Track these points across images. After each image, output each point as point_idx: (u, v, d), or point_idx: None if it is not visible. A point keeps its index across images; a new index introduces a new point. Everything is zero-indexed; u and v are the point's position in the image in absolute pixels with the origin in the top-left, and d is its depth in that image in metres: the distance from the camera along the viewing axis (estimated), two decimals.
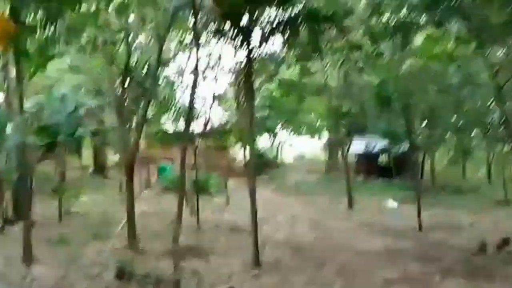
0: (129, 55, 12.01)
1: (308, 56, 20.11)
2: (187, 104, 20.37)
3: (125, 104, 11.13)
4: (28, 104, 14.75)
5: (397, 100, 24.02)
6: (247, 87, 10.81)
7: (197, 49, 10.32)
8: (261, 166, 36.01)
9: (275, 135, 34.12)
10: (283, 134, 37.26)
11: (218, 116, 23.90)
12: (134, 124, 12.53)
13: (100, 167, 25.08)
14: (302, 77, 21.96)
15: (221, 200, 19.85)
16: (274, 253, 10.84)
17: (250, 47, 10.35)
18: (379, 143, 30.31)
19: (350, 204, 19.81)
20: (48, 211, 14.08)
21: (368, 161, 33.64)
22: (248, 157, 10.68)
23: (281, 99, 25.45)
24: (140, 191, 20.85)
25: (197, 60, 10.55)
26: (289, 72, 22.22)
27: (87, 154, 26.12)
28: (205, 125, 14.48)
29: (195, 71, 10.65)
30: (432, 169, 27.90)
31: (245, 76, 10.47)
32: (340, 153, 35.20)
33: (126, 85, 15.20)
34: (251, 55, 10.53)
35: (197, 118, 20.25)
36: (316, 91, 22.84)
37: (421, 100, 19.93)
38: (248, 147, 10.34)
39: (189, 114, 11.75)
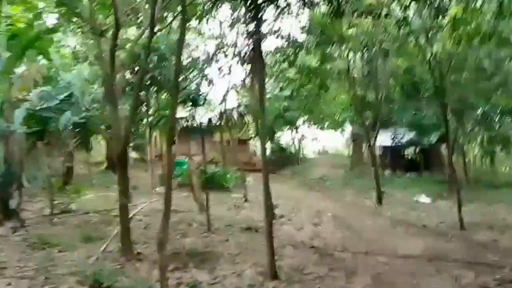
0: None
1: (329, 39, 18.36)
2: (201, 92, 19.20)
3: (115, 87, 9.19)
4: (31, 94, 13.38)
5: (426, 87, 21.91)
6: (258, 68, 8.77)
7: None
8: (283, 160, 34.16)
9: (296, 129, 31.96)
10: (304, 127, 35.05)
11: (236, 105, 22.17)
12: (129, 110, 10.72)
13: (113, 163, 23.30)
14: (322, 63, 19.91)
15: (239, 196, 17.87)
16: (295, 258, 8.84)
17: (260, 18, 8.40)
18: (406, 135, 27.95)
19: (379, 199, 17.63)
20: (46, 210, 12.37)
21: (394, 154, 31.44)
22: (261, 148, 8.45)
23: (301, 88, 23.31)
24: (152, 187, 19.10)
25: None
26: (309, 59, 20.18)
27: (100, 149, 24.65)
28: (222, 116, 12.39)
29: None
30: (464, 162, 25.34)
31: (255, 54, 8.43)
32: (364, 146, 33.17)
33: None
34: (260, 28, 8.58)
35: (213, 108, 18.64)
36: (338, 78, 20.71)
37: (453, 87, 17.71)
38: (260, 136, 8.11)
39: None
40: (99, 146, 24.35)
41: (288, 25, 18.03)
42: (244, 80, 12.42)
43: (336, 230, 12.30)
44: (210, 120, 11.49)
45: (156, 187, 19.23)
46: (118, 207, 8.74)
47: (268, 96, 27.66)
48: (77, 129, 15.33)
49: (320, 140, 43.20)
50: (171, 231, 10.85)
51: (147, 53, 9.83)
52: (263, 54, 9.02)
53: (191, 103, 11.55)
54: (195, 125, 12.16)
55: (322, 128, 37.49)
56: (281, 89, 18.43)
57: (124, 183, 8.52)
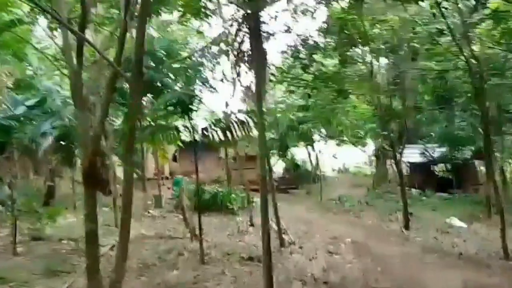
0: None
1: (349, 41, 17.28)
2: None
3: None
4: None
5: (460, 94, 20.64)
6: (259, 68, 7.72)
7: None
8: (297, 179, 32.88)
9: (312, 144, 30.69)
10: (322, 142, 33.71)
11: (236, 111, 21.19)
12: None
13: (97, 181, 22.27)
14: (342, 67, 18.78)
15: (245, 219, 16.72)
16: None
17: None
18: (437, 150, 26.60)
19: (407, 222, 16.27)
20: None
21: (423, 171, 30.06)
22: (260, 162, 7.25)
23: (317, 96, 22.14)
24: (144, 209, 18.06)
25: None
26: (327, 62, 19.10)
27: None
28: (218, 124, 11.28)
29: None
30: (504, 179, 23.81)
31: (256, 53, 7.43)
32: (389, 163, 31.79)
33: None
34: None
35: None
36: (359, 85, 19.51)
37: (492, 92, 16.45)
38: (259, 148, 6.90)
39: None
40: None
41: (302, 25, 16.93)
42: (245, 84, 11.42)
43: (356, 260, 11.05)
44: (205, 130, 10.35)
45: (149, 208, 18.20)
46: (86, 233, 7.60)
47: (280, 105, 26.56)
48: (59, 142, 14.50)
49: (340, 157, 41.93)
50: (157, 262, 9.83)
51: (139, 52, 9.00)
52: (266, 54, 8.09)
53: (181, 109, 10.32)
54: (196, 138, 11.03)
55: (341, 143, 36.13)
56: (291, 92, 17.06)
57: (91, 205, 7.40)
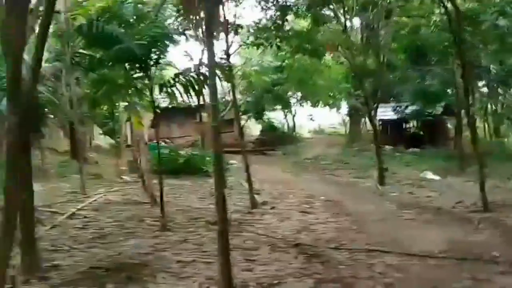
0: None
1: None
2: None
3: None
4: None
5: (434, 51, 19.24)
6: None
7: None
8: (274, 141, 31.46)
9: (288, 106, 29.24)
10: (297, 105, 32.28)
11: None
12: None
13: (75, 150, 20.54)
14: (314, 28, 17.22)
15: None
16: (269, 266, 6.29)
17: None
18: (409, 107, 25.34)
19: (381, 179, 15.05)
20: None
21: (395, 129, 29.08)
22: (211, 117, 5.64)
23: (293, 59, 20.59)
24: (117, 175, 16.58)
25: None
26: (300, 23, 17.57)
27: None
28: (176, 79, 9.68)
29: None
30: (474, 134, 22.67)
31: None
32: (362, 121, 30.61)
33: None
34: None
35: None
36: (333, 44, 17.99)
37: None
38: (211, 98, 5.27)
39: None
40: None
41: None
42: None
43: (330, 219, 9.77)
44: (162, 86, 8.79)
45: (122, 174, 16.70)
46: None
47: (254, 68, 24.96)
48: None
49: (316, 119, 40.66)
50: (116, 230, 8.44)
51: None
52: None
53: (138, 64, 8.66)
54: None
55: (316, 105, 34.74)
56: (260, 45, 15.44)
57: (14, 167, 5.84)
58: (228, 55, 11.59)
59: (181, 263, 6.22)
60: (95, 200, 11.70)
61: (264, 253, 6.89)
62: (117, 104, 16.70)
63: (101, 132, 23.06)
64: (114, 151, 22.97)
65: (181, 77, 8.66)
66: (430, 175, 17.31)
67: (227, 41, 11.67)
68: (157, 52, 8.77)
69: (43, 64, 14.35)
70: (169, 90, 8.76)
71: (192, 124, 28.84)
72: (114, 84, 8.82)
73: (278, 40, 14.91)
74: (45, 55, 14.45)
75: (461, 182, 15.58)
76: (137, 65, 8.80)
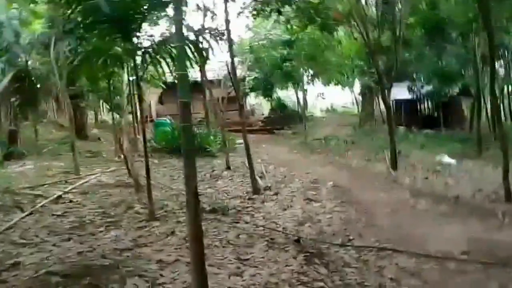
0: None
1: None
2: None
3: None
4: None
5: (455, 26, 17.91)
6: None
7: None
8: (284, 119, 30.42)
9: (298, 84, 28.02)
10: (309, 82, 30.93)
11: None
12: None
13: (76, 127, 19.67)
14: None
15: (224, 162, 14.48)
16: (262, 269, 5.39)
17: None
18: (425, 87, 24.10)
19: (394, 163, 14.04)
20: None
21: (409, 109, 27.85)
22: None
23: (301, 33, 19.35)
24: (116, 154, 15.78)
25: None
26: None
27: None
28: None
29: None
30: (497, 115, 21.43)
31: None
32: (376, 101, 29.40)
33: None
34: None
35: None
36: (345, 18, 16.72)
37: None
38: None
39: None
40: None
41: None
42: None
43: (337, 208, 8.87)
44: (144, 53, 7.74)
45: (121, 153, 15.89)
46: None
47: (263, 42, 23.72)
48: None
49: (328, 98, 39.48)
50: (98, 219, 7.61)
51: None
52: None
53: (118, 29, 7.51)
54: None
55: (328, 83, 33.43)
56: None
57: None
58: (228, 22, 10.51)
59: (161, 264, 5.35)
60: (86, 182, 10.91)
61: (259, 251, 6.00)
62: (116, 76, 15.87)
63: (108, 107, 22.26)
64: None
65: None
66: (446, 158, 16.24)
67: (226, 9, 10.61)
68: (139, 13, 7.56)
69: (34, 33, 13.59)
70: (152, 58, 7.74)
71: (200, 101, 27.92)
72: (91, 51, 7.78)
73: (280, 6, 13.59)
74: (36, 21, 13.65)
75: (479, 167, 14.55)
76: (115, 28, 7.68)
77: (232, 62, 11.50)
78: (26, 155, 14.96)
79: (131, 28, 7.41)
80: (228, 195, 10.04)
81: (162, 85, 29.67)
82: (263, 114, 34.29)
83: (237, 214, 8.18)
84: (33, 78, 14.21)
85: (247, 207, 8.79)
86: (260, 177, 11.78)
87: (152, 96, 32.36)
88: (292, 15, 15.62)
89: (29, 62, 13.44)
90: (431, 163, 15.30)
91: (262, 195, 9.97)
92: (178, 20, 3.96)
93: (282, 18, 16.53)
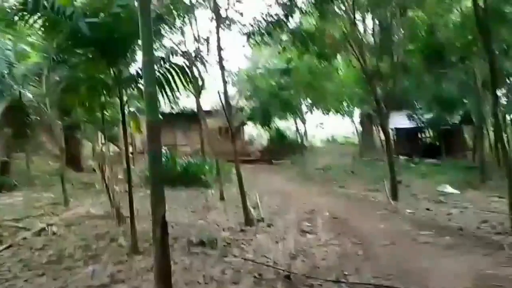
0: None
1: None
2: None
3: None
4: None
5: (453, 52, 17.67)
6: None
7: None
8: (282, 149, 29.93)
9: (297, 113, 27.73)
10: (308, 112, 30.67)
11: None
12: None
13: (71, 158, 19.24)
14: (321, 26, 15.85)
15: (218, 193, 14.00)
16: None
17: None
18: (425, 114, 23.75)
19: (395, 193, 13.56)
20: None
21: (410, 138, 27.49)
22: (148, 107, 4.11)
23: (299, 61, 19.13)
24: (102, 185, 15.26)
25: None
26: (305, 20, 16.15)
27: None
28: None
29: None
30: (501, 143, 20.88)
31: None
32: (375, 130, 29.02)
33: None
34: None
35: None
36: (343, 45, 16.49)
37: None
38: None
39: None
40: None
41: None
42: None
43: (333, 241, 8.34)
44: (128, 80, 7.40)
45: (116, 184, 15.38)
46: None
47: (259, 70, 23.53)
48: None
49: (328, 128, 39.20)
50: (78, 253, 7.11)
51: None
52: None
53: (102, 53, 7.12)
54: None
55: (327, 112, 33.10)
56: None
57: None
58: (220, 49, 10.24)
59: None
60: (73, 214, 10.46)
61: None
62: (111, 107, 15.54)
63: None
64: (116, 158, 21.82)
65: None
66: (448, 188, 15.79)
67: (218, 34, 10.35)
68: (124, 37, 7.13)
69: (26, 63, 13.37)
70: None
71: (197, 132, 27.62)
72: (76, 78, 7.44)
73: (280, 36, 13.42)
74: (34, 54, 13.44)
75: (483, 197, 14.11)
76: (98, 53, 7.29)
77: (225, 89, 11.14)
78: (18, 186, 14.60)
79: (116, 53, 7.08)
80: (219, 226, 9.54)
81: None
82: (262, 144, 33.92)
83: (226, 247, 7.67)
84: (26, 109, 13.93)
85: (238, 240, 8.27)
86: (254, 208, 11.27)
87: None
88: (288, 43, 15.41)
89: (23, 93, 13.13)
90: (433, 193, 14.83)
91: (255, 227, 9.47)
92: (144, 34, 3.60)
93: (278, 46, 16.40)
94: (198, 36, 13.98)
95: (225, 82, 11.08)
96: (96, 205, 11.75)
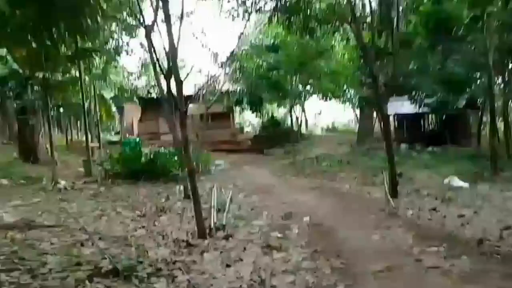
0: None
1: None
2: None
3: None
4: None
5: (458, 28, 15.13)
6: None
7: None
8: (276, 138, 27.36)
9: (289, 96, 25.08)
10: (303, 95, 27.84)
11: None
12: None
13: (26, 150, 16.82)
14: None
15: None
16: None
17: None
18: (429, 98, 21.18)
19: (394, 188, 11.09)
20: None
21: (412, 125, 25.01)
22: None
23: (287, 37, 16.60)
24: (53, 180, 12.91)
25: None
26: None
27: None
28: None
29: None
30: (507, 132, 18.37)
31: None
32: (375, 116, 26.56)
33: None
34: None
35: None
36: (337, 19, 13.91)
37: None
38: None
39: None
40: None
41: None
42: None
43: (306, 261, 5.92)
44: None
45: (58, 179, 12.96)
46: None
47: (245, 47, 20.92)
48: None
49: (330, 115, 36.86)
50: None
51: None
52: None
53: None
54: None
55: (326, 98, 30.31)
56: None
57: None
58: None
59: None
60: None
61: None
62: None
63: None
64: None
65: None
66: (456, 181, 13.36)
67: None
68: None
69: None
70: None
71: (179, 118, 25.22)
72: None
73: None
74: None
75: (497, 192, 11.74)
76: None
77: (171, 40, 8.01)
78: None
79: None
80: (163, 239, 7.16)
81: (136, 101, 27.23)
82: (254, 132, 31.49)
83: (150, 277, 5.24)
84: None
85: (175, 262, 5.85)
86: (219, 210, 8.91)
87: (134, 113, 29.76)
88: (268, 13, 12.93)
89: None
90: (439, 188, 12.44)
91: (208, 239, 7.07)
92: None
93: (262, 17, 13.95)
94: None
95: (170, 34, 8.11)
96: (17, 210, 9.25)
